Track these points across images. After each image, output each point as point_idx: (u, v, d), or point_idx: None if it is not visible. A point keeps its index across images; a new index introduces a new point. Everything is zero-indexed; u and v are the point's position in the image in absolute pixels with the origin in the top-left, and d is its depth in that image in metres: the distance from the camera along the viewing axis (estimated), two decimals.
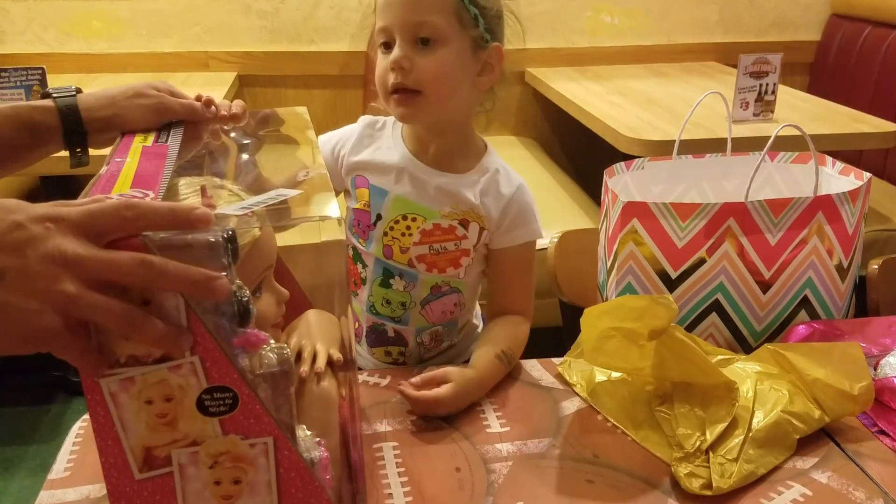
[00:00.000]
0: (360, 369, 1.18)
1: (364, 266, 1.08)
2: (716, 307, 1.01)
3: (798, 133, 1.03)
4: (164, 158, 0.69)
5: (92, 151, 0.83)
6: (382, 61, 0.99)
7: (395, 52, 0.97)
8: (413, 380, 0.91)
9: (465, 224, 1.04)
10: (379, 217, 1.06)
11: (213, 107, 0.86)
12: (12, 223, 0.49)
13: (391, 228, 1.05)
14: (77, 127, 0.79)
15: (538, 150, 2.79)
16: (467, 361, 1.01)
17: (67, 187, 1.99)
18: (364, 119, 1.12)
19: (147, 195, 0.56)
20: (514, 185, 1.06)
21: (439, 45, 0.97)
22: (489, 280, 1.10)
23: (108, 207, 0.50)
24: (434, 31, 0.96)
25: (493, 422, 0.89)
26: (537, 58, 2.81)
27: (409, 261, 1.05)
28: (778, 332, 1.03)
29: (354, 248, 1.10)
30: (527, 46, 2.86)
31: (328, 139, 1.11)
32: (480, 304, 1.19)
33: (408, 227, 1.04)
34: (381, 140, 1.09)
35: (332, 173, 1.09)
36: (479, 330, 1.18)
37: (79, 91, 0.83)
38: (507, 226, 1.05)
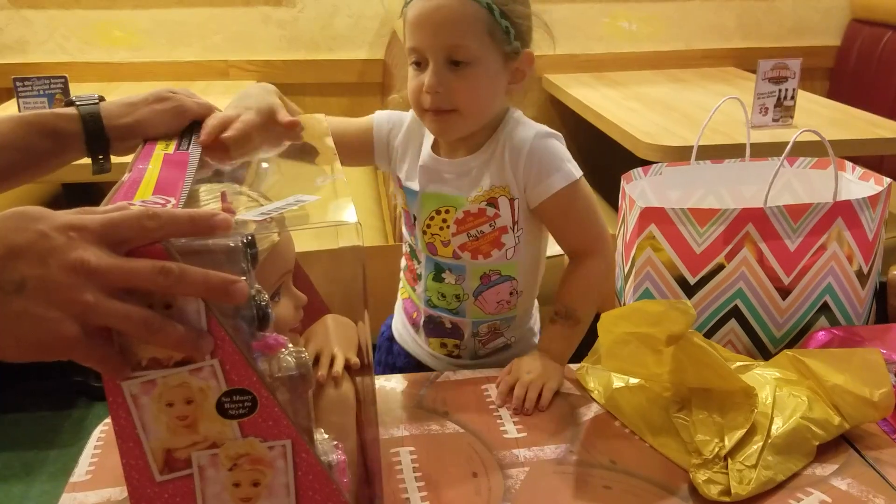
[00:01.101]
0: (392, 368, 1.20)
1: (419, 262, 1.11)
2: (735, 313, 1.01)
3: (817, 138, 1.02)
4: (185, 165, 0.70)
5: (114, 159, 0.85)
6: (414, 79, 0.99)
7: (430, 77, 0.97)
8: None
9: (493, 202, 1.03)
10: (415, 218, 1.08)
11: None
12: (36, 232, 0.49)
13: (428, 226, 1.06)
14: (99, 134, 0.81)
15: None
16: None
17: (89, 194, 2.01)
18: (412, 114, 1.10)
19: (168, 202, 0.57)
20: (527, 141, 1.03)
21: (473, 66, 0.97)
22: (551, 232, 1.09)
23: (131, 216, 0.51)
24: (467, 54, 0.96)
25: (510, 427, 0.89)
26: (554, 64, 2.81)
27: (453, 253, 1.06)
28: (797, 338, 1.02)
29: (411, 245, 1.12)
30: (543, 52, 2.86)
31: (388, 118, 1.12)
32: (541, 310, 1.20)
33: (444, 221, 1.05)
34: (415, 139, 1.10)
35: (379, 152, 1.12)
36: (536, 339, 1.18)
37: (101, 99, 0.84)
38: (534, 181, 1.03)
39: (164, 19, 2.65)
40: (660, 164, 1.17)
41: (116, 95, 0.87)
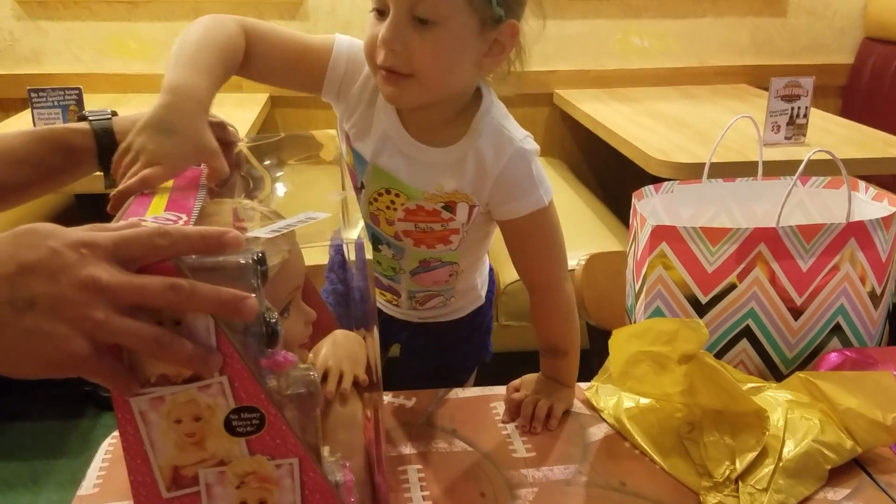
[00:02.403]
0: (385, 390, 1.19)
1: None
2: (746, 333, 1.00)
3: (830, 157, 1.02)
4: (197, 182, 0.70)
5: None
6: (372, 28, 0.87)
7: (386, 30, 0.84)
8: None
9: (451, 206, 0.96)
10: (363, 185, 0.99)
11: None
12: (47, 249, 0.49)
13: (375, 199, 0.98)
14: (111, 147, 0.81)
15: (566, 171, 2.78)
16: (465, 319, 1.11)
17: (101, 206, 2.01)
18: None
19: (180, 218, 0.57)
20: (502, 159, 0.93)
21: (438, 25, 0.84)
22: (508, 249, 1.01)
23: (142, 234, 0.51)
24: (433, 12, 0.83)
25: (519, 446, 0.89)
26: (566, 79, 2.81)
27: (395, 234, 0.99)
28: (809, 359, 1.01)
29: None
30: (555, 68, 2.90)
31: (347, 55, 0.96)
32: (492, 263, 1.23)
33: (392, 202, 0.97)
34: (374, 94, 0.96)
35: (328, 88, 0.97)
36: (484, 291, 1.19)
37: (114, 114, 0.85)
38: (500, 199, 0.95)
39: (180, 31, 2.65)
40: (671, 182, 1.16)
41: (130, 106, 0.88)
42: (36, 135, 0.81)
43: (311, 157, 0.87)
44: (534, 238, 0.98)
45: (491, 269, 1.25)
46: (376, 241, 1.03)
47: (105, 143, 0.82)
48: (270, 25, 0.97)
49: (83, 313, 0.49)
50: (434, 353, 1.22)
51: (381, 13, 0.86)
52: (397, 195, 0.97)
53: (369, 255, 0.60)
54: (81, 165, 0.83)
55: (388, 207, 0.98)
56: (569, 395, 0.98)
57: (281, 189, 0.81)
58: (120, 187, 0.70)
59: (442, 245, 1.00)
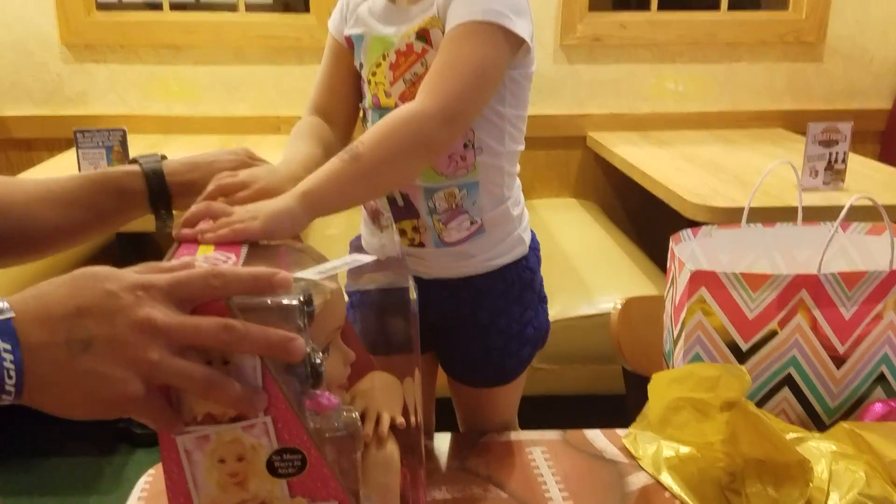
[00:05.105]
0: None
1: (367, 123, 1.03)
2: (788, 382, 0.98)
3: (871, 203, 1.01)
4: None
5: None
6: None
7: None
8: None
9: (423, 35, 0.91)
10: (361, 66, 0.99)
11: None
12: (104, 292, 0.51)
13: (374, 74, 0.98)
14: (162, 190, 0.83)
15: (599, 214, 2.78)
16: (510, 270, 0.99)
17: (143, 244, 2.06)
18: None
19: (229, 258, 0.58)
20: None
21: None
22: None
23: (197, 276, 0.53)
24: None
25: (556, 494, 0.88)
26: (599, 123, 2.83)
27: (395, 104, 0.96)
28: (853, 409, 0.99)
29: (363, 111, 1.04)
30: (588, 112, 2.91)
31: (338, 14, 1.05)
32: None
33: (381, 64, 0.97)
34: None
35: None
36: (526, 236, 1.06)
37: (164, 158, 0.87)
38: (447, 6, 0.88)
39: (222, 75, 2.73)
40: (710, 226, 1.16)
41: (172, 146, 0.91)
42: (88, 178, 0.84)
43: None
44: (445, 51, 0.86)
45: (532, 231, 1.13)
46: None
47: (156, 185, 0.84)
48: (319, 84, 1.08)
49: (139, 354, 0.50)
50: (482, 330, 1.08)
51: None
52: (384, 55, 0.95)
53: (413, 296, 0.60)
54: (133, 208, 0.85)
55: (384, 77, 0.97)
56: (277, 209, 0.73)
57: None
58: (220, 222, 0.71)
59: None
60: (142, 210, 0.85)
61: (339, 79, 1.06)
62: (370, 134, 0.84)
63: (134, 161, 0.86)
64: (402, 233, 1.04)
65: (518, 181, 1.10)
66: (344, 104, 1.06)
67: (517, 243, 1.08)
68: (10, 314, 0.49)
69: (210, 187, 0.79)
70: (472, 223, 1.02)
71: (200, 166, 0.85)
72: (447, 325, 1.10)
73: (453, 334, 1.11)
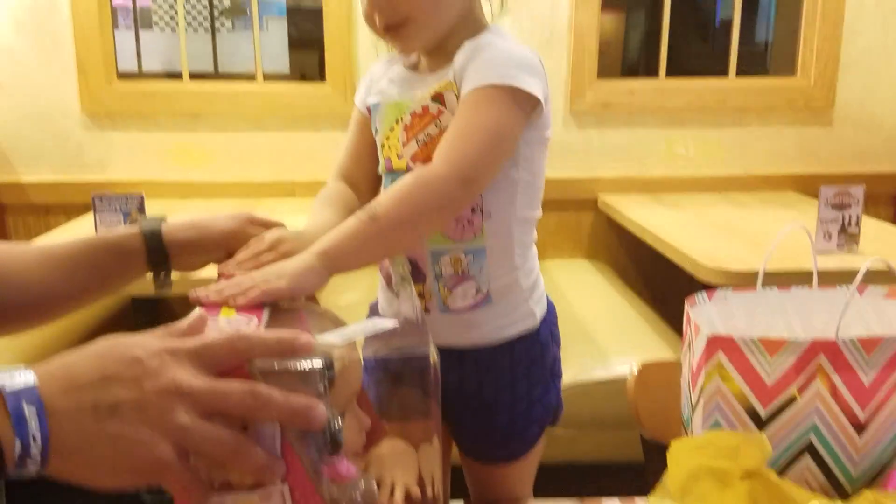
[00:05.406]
0: None
1: (383, 189, 1.05)
2: (809, 449, 0.97)
3: (887, 267, 1.01)
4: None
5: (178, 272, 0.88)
6: (361, 3, 0.96)
7: None
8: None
9: (439, 98, 0.94)
10: (377, 132, 1.03)
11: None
12: (130, 358, 0.51)
13: (387, 138, 1.00)
14: (160, 250, 0.84)
15: (612, 275, 2.78)
16: (517, 344, 0.96)
17: (157, 308, 2.06)
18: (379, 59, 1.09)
19: (251, 321, 0.59)
20: (488, 38, 0.94)
21: None
22: None
23: (222, 340, 0.53)
24: None
25: None
26: (610, 185, 2.85)
27: (406, 166, 0.98)
28: (877, 477, 0.97)
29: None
30: (599, 175, 2.94)
31: (364, 91, 1.10)
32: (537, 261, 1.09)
33: (395, 128, 0.99)
34: (385, 71, 1.07)
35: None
36: (538, 309, 1.03)
37: (164, 220, 0.89)
38: (467, 71, 0.91)
39: (239, 141, 2.79)
40: (725, 290, 1.16)
41: (189, 210, 0.92)
42: (87, 241, 0.85)
43: None
44: (460, 116, 0.89)
45: (550, 304, 1.11)
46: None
47: (154, 245, 0.85)
48: (344, 152, 1.14)
49: (167, 418, 0.50)
50: (486, 406, 1.05)
51: None
52: (398, 120, 0.98)
53: (434, 362, 0.60)
54: (132, 269, 0.86)
55: (396, 139, 0.99)
56: (300, 272, 0.76)
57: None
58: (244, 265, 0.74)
59: None
60: (141, 271, 0.86)
61: (362, 147, 1.10)
62: (387, 195, 0.86)
63: (134, 222, 0.87)
64: (397, 295, 1.04)
65: (534, 250, 1.08)
66: (367, 171, 1.09)
67: (526, 316, 1.06)
68: (36, 383, 0.49)
69: (243, 254, 0.80)
70: (477, 291, 1.01)
71: (199, 227, 0.86)
72: (451, 396, 1.07)
73: (457, 408, 1.09)
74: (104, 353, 0.52)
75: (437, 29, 0.96)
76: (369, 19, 0.96)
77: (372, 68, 1.11)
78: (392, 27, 0.94)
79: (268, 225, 0.93)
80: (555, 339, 1.10)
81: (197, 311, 0.59)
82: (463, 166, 0.85)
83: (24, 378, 0.49)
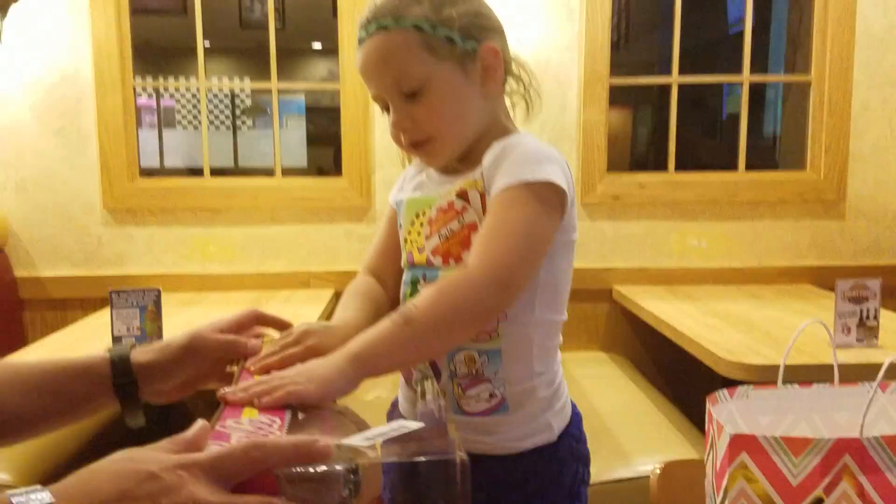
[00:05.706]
0: None
1: (404, 286, 1.04)
2: None
3: None
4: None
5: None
6: (388, 121, 0.99)
7: (392, 116, 0.97)
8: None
9: (462, 195, 0.95)
10: (401, 227, 1.05)
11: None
12: (146, 474, 0.51)
13: (409, 232, 1.02)
14: (126, 372, 0.82)
15: (630, 368, 2.75)
16: (530, 458, 0.93)
17: (168, 411, 2.04)
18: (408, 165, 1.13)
19: (274, 422, 0.59)
20: (515, 139, 0.96)
21: (426, 89, 0.94)
22: None
23: (237, 451, 0.53)
24: (413, 82, 0.93)
25: None
26: (624, 276, 2.86)
27: (427, 260, 0.98)
28: None
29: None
30: (613, 266, 2.94)
31: (395, 192, 1.13)
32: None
33: (421, 225, 1.00)
34: (415, 174, 1.10)
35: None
36: (557, 422, 0.98)
37: (133, 346, 0.86)
38: (495, 172, 0.93)
39: (257, 235, 2.83)
40: (747, 387, 1.14)
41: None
42: (55, 364, 0.83)
43: None
44: (493, 215, 0.89)
45: (576, 411, 1.07)
46: (415, 282, 1.01)
47: (120, 369, 0.82)
48: (374, 246, 1.15)
49: None
50: None
51: (385, 107, 0.99)
52: (423, 213, 1.00)
53: (460, 461, 0.59)
54: (99, 395, 0.83)
55: (418, 234, 1.00)
56: (327, 378, 0.75)
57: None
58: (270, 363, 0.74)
59: (467, 252, 0.94)
60: (109, 397, 0.83)
61: (389, 242, 1.12)
62: (422, 298, 0.85)
63: (111, 348, 0.86)
64: (422, 395, 0.98)
65: (558, 357, 1.04)
66: (393, 265, 1.11)
67: (543, 429, 1.01)
68: (53, 502, 0.49)
69: (269, 348, 0.80)
70: (491, 395, 0.98)
71: (158, 347, 0.84)
72: None
73: None
74: (119, 468, 0.51)
75: (462, 143, 0.99)
76: (395, 139, 1.00)
77: (407, 168, 1.15)
78: (417, 144, 0.98)
79: (276, 323, 0.93)
80: (577, 456, 1.04)
81: (199, 423, 0.59)
82: (498, 270, 0.85)
83: (39, 498, 0.49)
